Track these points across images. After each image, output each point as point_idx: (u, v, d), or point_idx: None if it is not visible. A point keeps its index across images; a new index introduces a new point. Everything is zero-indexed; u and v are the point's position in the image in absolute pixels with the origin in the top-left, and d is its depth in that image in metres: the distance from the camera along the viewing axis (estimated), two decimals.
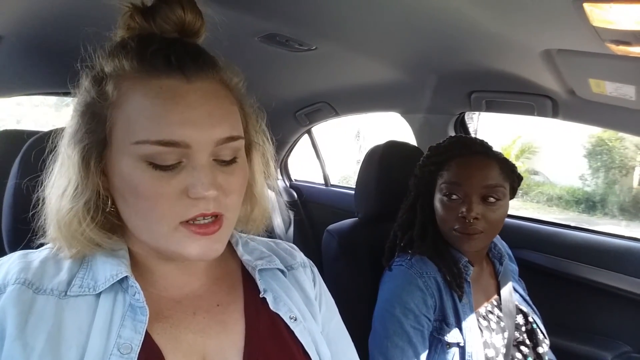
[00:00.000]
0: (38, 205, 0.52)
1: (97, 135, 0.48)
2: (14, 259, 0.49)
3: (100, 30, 0.52)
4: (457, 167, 0.94)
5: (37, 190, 0.53)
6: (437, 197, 0.97)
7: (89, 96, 0.48)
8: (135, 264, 0.53)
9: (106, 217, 0.51)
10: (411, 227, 1.00)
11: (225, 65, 0.52)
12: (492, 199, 0.90)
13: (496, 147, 1.00)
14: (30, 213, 0.53)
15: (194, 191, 0.45)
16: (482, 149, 0.96)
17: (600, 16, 0.57)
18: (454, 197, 0.92)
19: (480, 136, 1.09)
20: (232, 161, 0.50)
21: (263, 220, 0.62)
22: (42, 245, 0.53)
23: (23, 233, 0.63)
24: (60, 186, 0.49)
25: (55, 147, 0.52)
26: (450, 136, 1.04)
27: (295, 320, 0.57)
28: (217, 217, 0.48)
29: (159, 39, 0.49)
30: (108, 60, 0.48)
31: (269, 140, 0.61)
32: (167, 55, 0.46)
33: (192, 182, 0.45)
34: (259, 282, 0.58)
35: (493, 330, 0.90)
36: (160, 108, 0.45)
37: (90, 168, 0.48)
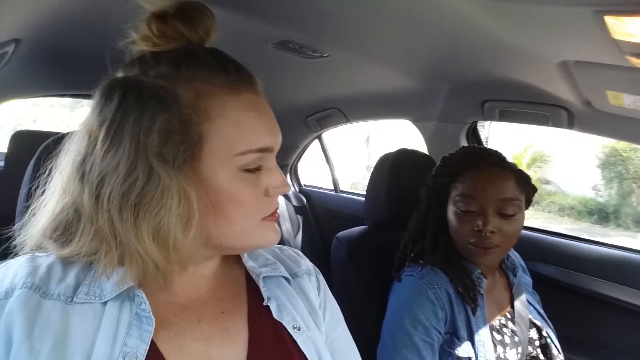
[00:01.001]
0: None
1: (189, 151, 0.47)
2: (22, 262, 0.49)
3: (117, 35, 0.52)
4: (472, 180, 0.91)
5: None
6: (451, 209, 0.95)
7: (180, 113, 0.46)
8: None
9: None
10: (422, 238, 0.98)
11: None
12: (508, 212, 0.88)
13: (507, 156, 0.98)
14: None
15: (279, 190, 0.53)
16: (497, 160, 0.94)
17: (621, 29, 0.56)
18: (469, 209, 0.90)
19: (491, 144, 1.07)
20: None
21: None
22: None
23: None
24: (169, 210, 0.45)
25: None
26: (464, 147, 1.02)
27: (299, 330, 0.56)
28: None
29: (217, 52, 0.52)
30: (188, 73, 0.48)
31: None
32: (242, 71, 0.52)
33: (273, 183, 0.52)
34: (262, 290, 0.57)
35: (507, 344, 0.89)
36: (255, 120, 0.50)
37: (188, 184, 0.46)
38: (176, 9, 0.50)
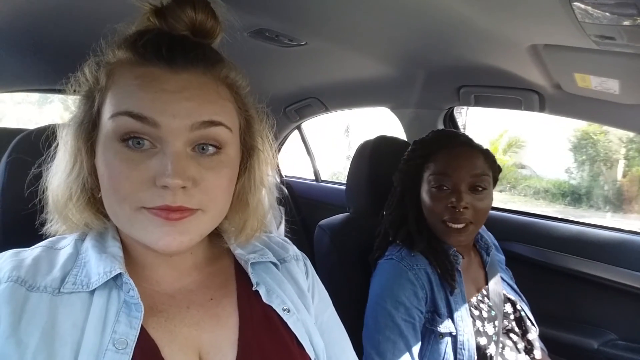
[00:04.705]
0: (29, 201, 0.53)
1: (88, 116, 0.50)
2: (6, 257, 0.49)
3: (93, 27, 0.52)
4: (445, 158, 0.95)
5: (27, 187, 0.53)
6: (425, 189, 0.97)
7: (88, 83, 0.51)
8: (128, 257, 0.53)
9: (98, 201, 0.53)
10: (403, 224, 1.00)
11: (228, 66, 0.53)
12: (479, 188, 0.92)
13: (484, 142, 1.01)
14: (26, 208, 0.53)
15: (160, 179, 0.44)
16: (466, 140, 0.98)
17: (586, 12, 0.58)
18: (443, 188, 0.94)
19: (468, 130, 1.10)
20: (214, 154, 0.49)
21: (258, 232, 0.61)
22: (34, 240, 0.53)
23: (13, 229, 0.63)
24: (60, 166, 0.52)
25: (47, 142, 0.53)
26: (433, 130, 1.05)
27: (289, 311, 0.57)
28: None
29: (157, 33, 0.50)
30: (110, 51, 0.51)
31: (272, 147, 0.60)
32: (157, 47, 0.48)
33: (160, 169, 0.45)
34: (251, 276, 0.58)
35: (485, 319, 0.92)
36: (137, 88, 0.47)
37: (81, 147, 0.50)
38: (169, 4, 0.52)
